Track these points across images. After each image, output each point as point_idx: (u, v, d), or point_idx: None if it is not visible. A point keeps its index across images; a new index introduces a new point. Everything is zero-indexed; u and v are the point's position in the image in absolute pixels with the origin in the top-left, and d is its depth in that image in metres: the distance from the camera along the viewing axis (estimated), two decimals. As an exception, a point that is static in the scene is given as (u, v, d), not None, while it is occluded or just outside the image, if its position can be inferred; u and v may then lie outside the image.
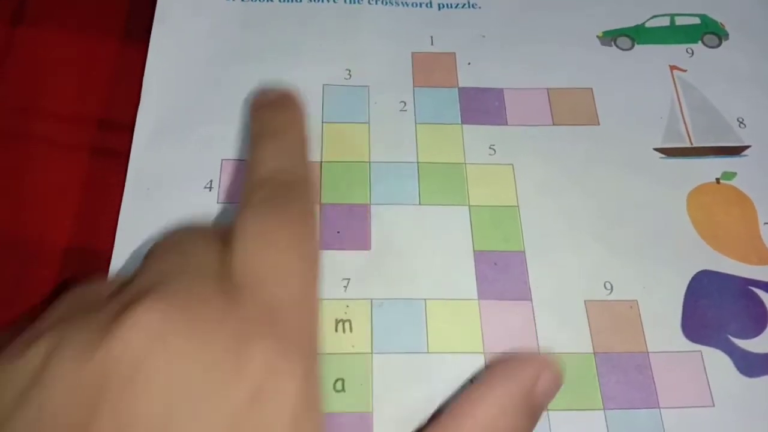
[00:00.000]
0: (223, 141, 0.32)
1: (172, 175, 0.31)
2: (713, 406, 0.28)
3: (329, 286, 0.29)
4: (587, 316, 0.29)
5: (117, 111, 0.33)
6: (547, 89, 0.35)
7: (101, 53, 0.35)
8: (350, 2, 0.37)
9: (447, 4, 0.37)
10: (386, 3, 0.37)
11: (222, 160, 0.32)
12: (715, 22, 0.37)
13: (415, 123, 0.33)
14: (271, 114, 0.30)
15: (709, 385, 0.28)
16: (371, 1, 0.37)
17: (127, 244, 0.30)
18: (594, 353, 0.28)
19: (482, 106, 0.34)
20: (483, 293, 0.29)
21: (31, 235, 0.30)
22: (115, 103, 0.33)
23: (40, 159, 0.32)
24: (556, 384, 0.25)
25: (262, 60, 0.35)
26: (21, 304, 0.29)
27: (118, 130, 0.33)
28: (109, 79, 0.34)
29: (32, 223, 0.31)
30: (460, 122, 0.33)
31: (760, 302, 0.30)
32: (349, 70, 0.35)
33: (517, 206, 0.31)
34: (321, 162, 0.32)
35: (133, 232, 0.30)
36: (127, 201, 0.31)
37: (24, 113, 0.33)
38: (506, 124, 0.33)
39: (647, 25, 0.37)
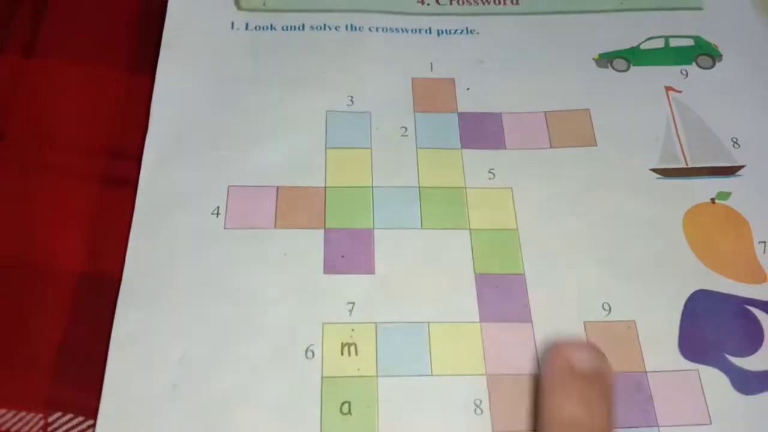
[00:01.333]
0: (229, 167, 0.33)
1: (179, 201, 0.32)
2: (710, 423, 0.28)
3: (335, 310, 0.30)
4: (586, 337, 0.30)
5: (126, 140, 0.34)
6: (545, 112, 0.35)
7: (110, 84, 0.36)
8: (352, 30, 0.38)
9: (446, 31, 0.38)
10: (387, 30, 0.38)
11: (228, 186, 0.33)
12: (708, 44, 0.37)
13: (416, 148, 0.34)
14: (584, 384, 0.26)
15: (706, 403, 0.29)
16: (372, 29, 0.38)
17: (136, 270, 0.31)
18: (593, 373, 0.29)
19: (481, 131, 0.35)
20: (484, 316, 0.30)
21: (43, 262, 0.31)
22: (123, 132, 0.34)
23: (51, 188, 0.33)
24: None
25: (267, 87, 0.36)
26: (34, 331, 0.30)
27: (127, 159, 0.34)
28: (118, 109, 0.35)
29: (44, 251, 0.32)
30: (459, 147, 0.34)
31: (756, 321, 0.30)
32: (352, 97, 0.35)
33: (517, 229, 0.32)
34: (325, 187, 0.33)
35: (142, 259, 0.31)
36: (137, 226, 0.32)
37: (36, 143, 0.34)
38: (505, 147, 0.34)
39: (642, 47, 0.37)
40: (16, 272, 0.31)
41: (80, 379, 0.29)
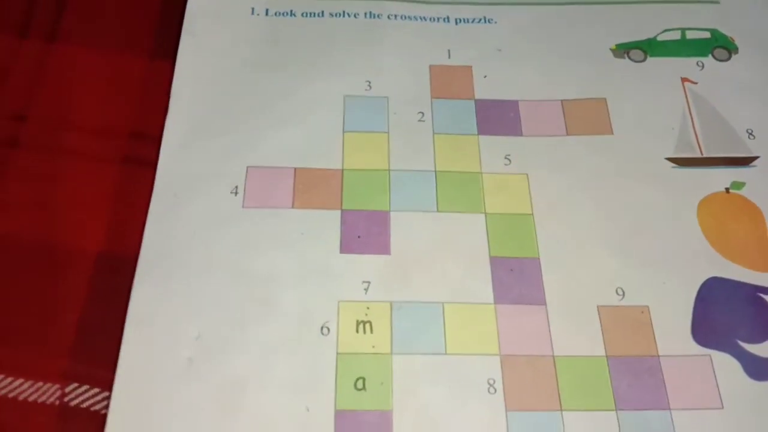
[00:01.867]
0: (248, 148, 0.34)
1: (198, 181, 0.33)
2: (722, 408, 0.28)
3: (350, 289, 0.30)
4: (600, 321, 0.30)
5: (146, 124, 0.35)
6: (561, 101, 0.36)
7: (131, 69, 0.36)
8: (370, 17, 0.38)
9: (464, 19, 0.38)
10: (405, 18, 0.38)
11: (247, 166, 0.33)
12: (725, 37, 0.38)
13: (433, 133, 0.35)
14: None
15: (718, 388, 0.29)
16: (391, 17, 0.38)
17: (153, 247, 0.31)
18: (606, 356, 0.29)
19: (498, 118, 0.35)
20: (499, 298, 0.30)
21: (64, 242, 0.32)
22: (144, 116, 0.35)
23: (73, 170, 0.34)
24: None
25: (286, 71, 0.36)
26: (54, 308, 0.30)
27: (147, 142, 0.34)
28: (139, 93, 0.36)
29: (65, 232, 0.32)
30: (476, 133, 0.35)
31: (769, 308, 0.31)
32: (369, 82, 0.36)
33: (532, 214, 0.32)
34: (342, 169, 0.33)
35: (159, 236, 0.31)
36: (155, 205, 0.32)
37: (58, 126, 0.35)
38: (521, 134, 0.35)
39: (659, 38, 0.38)
40: (37, 252, 0.32)
41: (97, 354, 0.29)
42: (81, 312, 0.30)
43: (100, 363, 0.29)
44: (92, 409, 0.29)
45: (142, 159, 0.34)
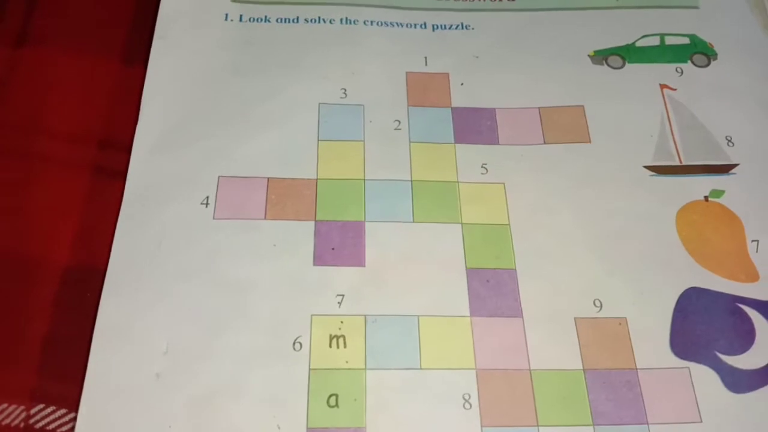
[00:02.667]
0: (220, 157, 0.33)
1: (168, 191, 0.32)
2: (701, 422, 0.28)
3: (324, 302, 0.30)
4: (577, 333, 0.30)
5: (117, 131, 0.34)
6: (539, 108, 0.35)
7: (102, 74, 0.35)
8: (347, 23, 0.37)
9: (441, 26, 0.38)
10: (382, 24, 0.37)
11: (219, 176, 0.32)
12: (704, 42, 0.37)
13: (409, 141, 0.34)
14: None
15: (696, 401, 0.28)
16: (367, 22, 0.37)
17: (122, 258, 0.30)
18: (584, 370, 0.29)
19: (475, 126, 0.34)
20: (475, 310, 0.30)
21: (31, 254, 0.31)
22: (115, 123, 0.34)
23: (42, 177, 0.33)
24: None
25: (260, 78, 0.35)
26: (19, 324, 0.29)
27: (117, 150, 0.33)
28: (110, 99, 0.35)
29: (33, 242, 0.31)
30: (453, 141, 0.34)
31: (748, 319, 0.30)
32: (345, 89, 0.35)
33: (509, 224, 0.32)
34: (317, 179, 0.33)
35: (128, 247, 0.30)
36: (124, 215, 0.31)
37: (27, 132, 0.34)
38: (498, 143, 0.34)
39: (638, 44, 0.37)
40: (2, 264, 0.31)
41: (65, 372, 0.28)
42: (48, 327, 0.29)
43: (67, 380, 0.28)
44: (59, 431, 0.28)
45: (112, 168, 0.33)
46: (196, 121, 0.34)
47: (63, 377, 0.28)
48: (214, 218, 0.31)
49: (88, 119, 0.34)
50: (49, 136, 0.34)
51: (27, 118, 0.34)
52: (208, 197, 0.32)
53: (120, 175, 0.32)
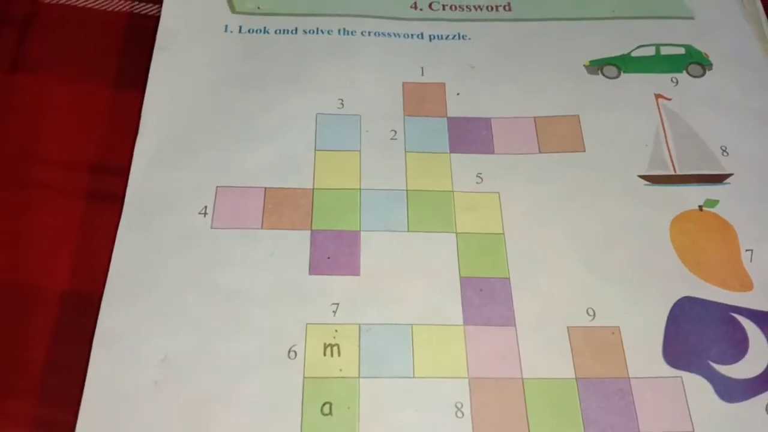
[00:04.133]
0: (218, 167, 0.33)
1: (167, 200, 0.32)
2: (693, 431, 0.28)
3: (319, 311, 0.30)
4: (570, 342, 0.30)
5: (111, 155, 0.34)
6: (534, 118, 0.35)
7: (95, 100, 0.36)
8: (344, 34, 0.38)
9: (438, 36, 0.38)
10: (379, 35, 0.38)
11: (217, 186, 0.33)
12: (699, 53, 0.37)
13: (405, 151, 0.34)
14: None
15: (689, 410, 0.28)
16: (364, 33, 0.38)
17: (121, 268, 0.31)
18: (576, 378, 0.29)
19: (470, 136, 0.35)
20: (468, 319, 0.30)
21: (30, 281, 0.31)
22: (108, 147, 0.34)
23: (36, 205, 0.33)
24: None
25: (258, 89, 0.36)
26: (18, 352, 0.29)
27: (112, 174, 0.33)
28: (103, 124, 0.35)
29: (31, 270, 0.31)
30: (448, 151, 0.34)
31: (741, 328, 0.30)
32: (342, 100, 0.36)
33: (503, 234, 0.32)
34: (313, 189, 0.33)
35: (127, 257, 0.31)
36: (124, 225, 0.32)
37: (20, 160, 0.34)
38: (493, 152, 0.34)
39: (633, 54, 0.38)
40: (0, 293, 0.31)
41: (65, 399, 0.28)
42: (47, 355, 0.29)
43: (67, 408, 0.28)
44: None
45: (107, 193, 0.33)
46: (195, 132, 0.34)
47: (63, 404, 0.28)
48: (212, 228, 0.32)
49: (82, 145, 0.34)
50: (42, 163, 0.34)
51: (21, 146, 0.34)
52: (206, 207, 0.32)
53: (115, 198, 0.32)
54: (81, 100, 0.36)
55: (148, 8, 0.39)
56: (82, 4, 0.39)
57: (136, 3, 0.39)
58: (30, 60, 0.37)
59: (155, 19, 0.38)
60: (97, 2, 0.39)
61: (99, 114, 0.35)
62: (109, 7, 0.39)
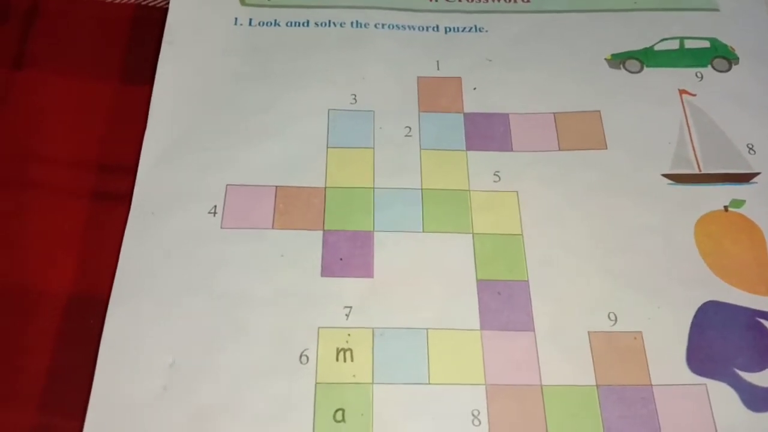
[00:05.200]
0: (228, 165, 0.33)
1: (176, 200, 0.32)
2: (718, 441, 0.27)
3: (331, 315, 0.29)
4: (590, 348, 0.29)
5: (117, 152, 0.33)
6: (554, 113, 0.34)
7: (101, 95, 0.35)
8: (357, 26, 0.37)
9: (454, 28, 0.37)
10: (393, 27, 0.37)
11: (227, 185, 0.32)
12: (725, 46, 0.36)
13: (420, 149, 0.33)
14: None
15: (714, 419, 0.28)
16: (378, 26, 0.37)
17: (129, 270, 0.30)
18: (597, 386, 0.28)
19: (487, 132, 0.34)
20: (485, 323, 0.29)
21: (32, 284, 0.30)
22: (115, 144, 0.33)
23: (40, 205, 0.32)
24: None
25: (269, 83, 0.35)
26: (21, 357, 0.29)
27: (119, 173, 0.33)
28: (108, 120, 0.34)
29: (33, 273, 0.30)
30: (464, 148, 0.33)
31: (768, 334, 0.29)
32: (355, 95, 0.35)
33: (522, 234, 0.31)
34: (325, 187, 0.32)
35: (135, 258, 0.30)
36: (131, 226, 0.31)
37: (24, 159, 0.33)
38: (511, 150, 0.33)
39: (656, 48, 0.36)
40: (2, 295, 0.30)
41: (68, 406, 0.28)
42: (51, 360, 0.29)
43: (70, 416, 0.27)
44: None
45: (113, 191, 0.32)
46: (204, 128, 0.34)
47: (66, 412, 0.28)
48: (221, 228, 0.31)
49: (87, 142, 0.33)
50: (46, 162, 0.33)
51: (25, 145, 0.33)
52: (215, 206, 0.31)
53: (122, 197, 0.32)
54: (86, 96, 0.35)
55: (156, 0, 0.38)
56: (88, -3, 0.38)
57: (144, -5, 0.38)
58: (33, 55, 0.36)
59: (163, 11, 0.37)
60: (104, -6, 0.38)
61: (105, 110, 0.34)
62: (116, 0, 0.38)
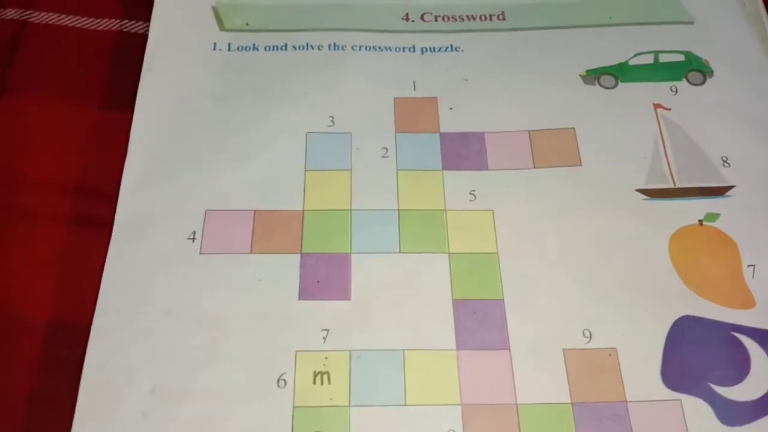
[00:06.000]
0: (208, 190, 0.33)
1: (156, 225, 0.32)
2: (693, 457, 0.27)
3: (309, 338, 0.29)
4: (565, 365, 0.29)
5: (97, 178, 0.34)
6: (529, 131, 0.35)
7: (82, 120, 0.35)
8: (334, 49, 0.37)
9: (430, 48, 0.37)
10: (370, 49, 0.37)
11: (206, 210, 0.32)
12: (699, 59, 0.36)
13: (397, 170, 0.34)
14: None
15: (688, 435, 0.28)
16: (355, 47, 0.37)
17: (109, 295, 0.30)
18: (572, 403, 0.28)
19: (463, 152, 0.34)
20: (461, 343, 0.29)
21: (12, 310, 0.30)
22: (95, 170, 0.34)
23: (20, 231, 0.32)
24: None
25: (247, 108, 0.35)
26: (3, 383, 0.29)
27: (99, 199, 0.33)
28: (89, 147, 0.35)
29: (13, 299, 0.31)
30: (441, 168, 0.34)
31: (743, 348, 0.29)
32: (332, 117, 0.35)
33: (497, 253, 0.32)
34: (303, 210, 0.33)
35: (116, 284, 0.30)
36: (113, 252, 0.31)
37: (4, 185, 0.33)
38: (487, 168, 0.34)
39: (631, 62, 0.37)
40: None
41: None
42: (31, 389, 0.29)
43: None
44: None
45: (93, 218, 0.33)
46: (185, 153, 0.34)
47: None
48: (200, 253, 0.31)
49: (68, 168, 0.34)
50: (26, 187, 0.33)
51: (4, 170, 0.34)
52: (194, 232, 0.32)
53: (102, 223, 0.32)
54: (67, 122, 0.35)
55: (138, 26, 0.38)
56: (72, 24, 0.39)
57: (126, 21, 0.39)
58: (16, 81, 0.36)
59: (144, 37, 0.37)
60: (87, 21, 0.39)
61: (86, 136, 0.35)
62: (98, 27, 0.39)
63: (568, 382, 0.29)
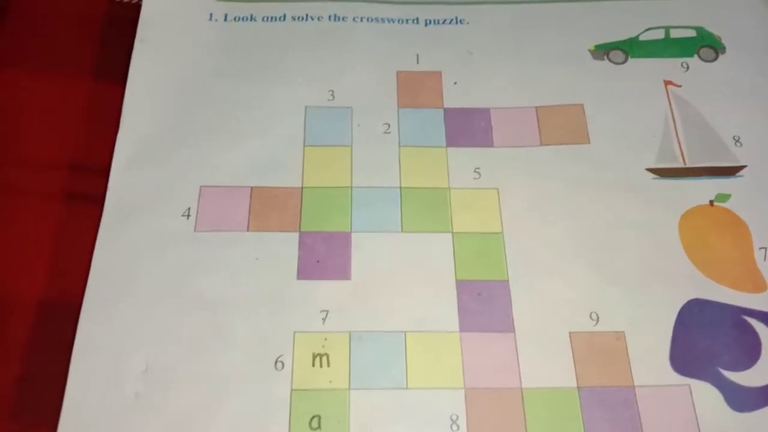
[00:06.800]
0: (202, 165, 0.32)
1: (149, 202, 0.31)
2: (701, 443, 0.27)
3: (307, 318, 0.29)
4: (572, 349, 0.28)
5: (91, 153, 0.32)
6: (536, 107, 0.34)
7: (73, 94, 0.34)
8: (335, 20, 0.36)
9: (434, 20, 0.36)
10: (372, 20, 0.36)
11: (201, 186, 0.31)
12: (711, 35, 0.35)
13: (399, 146, 0.33)
14: None
15: (697, 420, 0.27)
16: (356, 19, 0.36)
17: (101, 275, 0.29)
18: (578, 388, 0.27)
19: (468, 128, 0.33)
20: (465, 325, 0.29)
21: (3, 289, 0.30)
22: (88, 145, 0.33)
23: (10, 208, 0.31)
24: None
25: (244, 81, 0.34)
26: None
27: (92, 174, 0.32)
28: (82, 120, 0.33)
29: (4, 277, 0.30)
30: (444, 145, 0.33)
31: (754, 333, 0.29)
32: (333, 91, 0.34)
33: (502, 232, 0.31)
34: (302, 187, 0.31)
35: (107, 264, 0.29)
36: (104, 230, 0.30)
37: None
38: (492, 145, 0.33)
39: (641, 38, 0.35)
40: None
41: (41, 414, 0.27)
42: (22, 368, 0.28)
43: (43, 423, 0.27)
44: None
45: (86, 193, 0.31)
46: (178, 128, 0.33)
47: (39, 420, 0.27)
48: (195, 231, 0.30)
49: (59, 143, 0.33)
50: (17, 163, 0.32)
51: None
52: (189, 209, 0.31)
53: (95, 199, 0.31)
54: (58, 96, 0.34)
55: (130, -6, 0.37)
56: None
57: (118, -11, 0.37)
58: (3, 54, 0.35)
59: (137, 8, 0.36)
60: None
61: (78, 110, 0.34)
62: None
63: (575, 366, 0.28)
